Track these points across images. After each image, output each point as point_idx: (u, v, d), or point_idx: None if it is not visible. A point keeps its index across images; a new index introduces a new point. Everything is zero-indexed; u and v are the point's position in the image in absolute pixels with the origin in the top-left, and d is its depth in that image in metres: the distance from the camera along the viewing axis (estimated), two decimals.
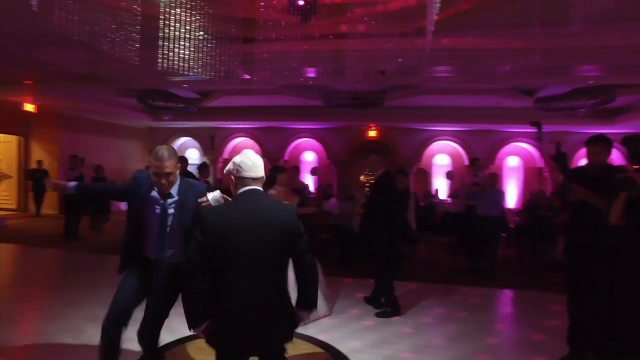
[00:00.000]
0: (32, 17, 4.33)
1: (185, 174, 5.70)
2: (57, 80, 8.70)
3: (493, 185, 5.95)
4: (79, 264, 6.67)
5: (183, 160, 5.70)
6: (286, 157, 14.30)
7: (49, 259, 7.20)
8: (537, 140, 4.18)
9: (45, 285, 5.59)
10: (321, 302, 4.07)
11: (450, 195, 10.12)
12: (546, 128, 3.93)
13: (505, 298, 5.58)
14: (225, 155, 15.02)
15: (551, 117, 9.34)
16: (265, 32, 5.59)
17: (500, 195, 6.01)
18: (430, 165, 13.74)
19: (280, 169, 4.58)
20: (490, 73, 6.98)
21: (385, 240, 4.44)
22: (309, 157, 14.40)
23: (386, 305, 4.57)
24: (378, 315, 4.47)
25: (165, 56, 4.47)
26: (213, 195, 2.31)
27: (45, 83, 9.01)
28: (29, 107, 10.42)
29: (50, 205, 11.73)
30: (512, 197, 12.88)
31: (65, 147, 11.53)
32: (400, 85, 9.12)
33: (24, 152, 11.87)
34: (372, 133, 13.68)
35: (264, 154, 14.30)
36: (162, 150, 2.38)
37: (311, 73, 7.50)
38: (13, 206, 11.91)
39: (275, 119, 12.41)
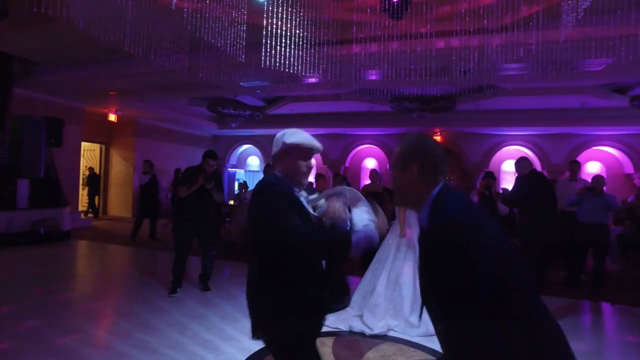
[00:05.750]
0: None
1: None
2: (138, 90, 9.22)
3: (601, 189, 5.43)
4: (148, 263, 6.86)
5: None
6: (347, 164, 14.21)
7: (118, 255, 7.59)
8: None
9: (116, 281, 5.81)
10: None
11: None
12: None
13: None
14: None
15: None
16: (351, 33, 5.54)
17: (614, 199, 5.40)
18: (497, 171, 13.04)
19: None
20: (581, 69, 6.39)
21: None
22: (370, 164, 14.21)
23: None
24: None
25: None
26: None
27: (127, 93, 9.58)
28: (112, 117, 11.19)
29: (124, 208, 12.52)
30: None
31: (140, 154, 12.25)
32: (474, 88, 8.74)
33: (105, 159, 12.73)
34: (436, 139, 13.27)
35: (325, 161, 14.31)
36: None
37: (373, 76, 7.24)
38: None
39: (339, 125, 12.35)
